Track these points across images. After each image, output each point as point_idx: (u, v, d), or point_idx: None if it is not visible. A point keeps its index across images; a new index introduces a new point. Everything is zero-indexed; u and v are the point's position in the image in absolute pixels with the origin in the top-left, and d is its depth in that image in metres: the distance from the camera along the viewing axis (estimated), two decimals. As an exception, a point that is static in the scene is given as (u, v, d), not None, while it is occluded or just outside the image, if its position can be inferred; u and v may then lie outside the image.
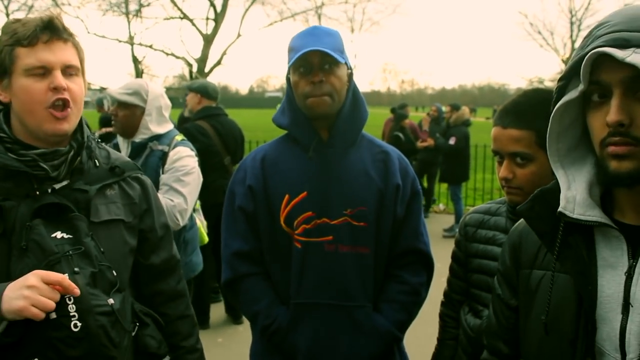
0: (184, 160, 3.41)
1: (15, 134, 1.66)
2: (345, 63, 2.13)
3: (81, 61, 1.70)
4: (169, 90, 32.20)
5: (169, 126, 3.54)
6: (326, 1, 29.91)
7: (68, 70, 1.65)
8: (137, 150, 3.41)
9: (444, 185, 10.09)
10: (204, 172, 5.35)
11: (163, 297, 1.93)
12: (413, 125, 10.06)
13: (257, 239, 2.20)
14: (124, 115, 3.42)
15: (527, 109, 1.85)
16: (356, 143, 2.22)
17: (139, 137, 3.43)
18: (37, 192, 1.63)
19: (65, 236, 1.60)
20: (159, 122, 3.47)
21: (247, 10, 28.40)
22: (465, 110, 10.08)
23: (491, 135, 1.93)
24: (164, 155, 3.39)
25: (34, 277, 1.46)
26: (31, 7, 25.86)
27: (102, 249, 1.65)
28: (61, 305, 1.49)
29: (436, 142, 9.88)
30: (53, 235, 1.58)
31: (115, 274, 1.66)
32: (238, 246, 2.21)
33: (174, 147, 3.43)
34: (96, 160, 1.79)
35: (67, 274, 1.52)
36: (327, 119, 2.15)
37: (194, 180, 3.46)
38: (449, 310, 2.23)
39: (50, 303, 1.45)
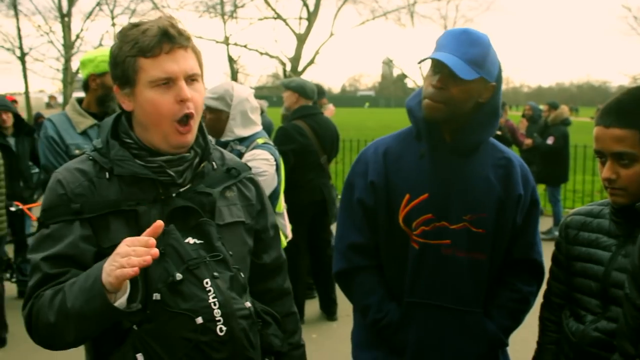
0: (256, 162, 3.40)
1: (140, 139, 1.68)
2: (483, 77, 2.03)
3: (200, 65, 1.69)
4: (262, 89, 32.84)
5: (256, 129, 3.58)
6: (419, -1, 29.64)
7: (190, 78, 1.64)
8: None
9: (542, 187, 9.81)
10: (301, 172, 5.50)
11: (271, 295, 1.96)
12: (512, 125, 9.83)
13: (374, 232, 2.22)
14: (210, 119, 3.52)
15: (631, 108, 1.81)
16: (479, 149, 2.19)
17: (224, 138, 3.54)
18: (163, 197, 1.65)
19: (197, 242, 1.61)
20: (245, 125, 3.53)
21: (339, 9, 28.57)
22: (564, 108, 9.77)
23: (593, 135, 1.89)
24: (239, 156, 3.42)
25: (122, 245, 1.44)
26: (134, 10, 27.01)
27: (230, 252, 1.66)
28: (207, 309, 1.52)
29: (533, 142, 9.63)
30: (186, 240, 1.59)
31: (243, 276, 1.68)
32: (354, 238, 2.24)
33: (251, 149, 3.48)
34: (213, 163, 1.80)
35: (207, 279, 1.55)
36: (445, 123, 2.11)
37: (263, 183, 3.49)
38: (549, 314, 2.20)
39: (142, 259, 1.39)
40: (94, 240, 1.62)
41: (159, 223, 1.46)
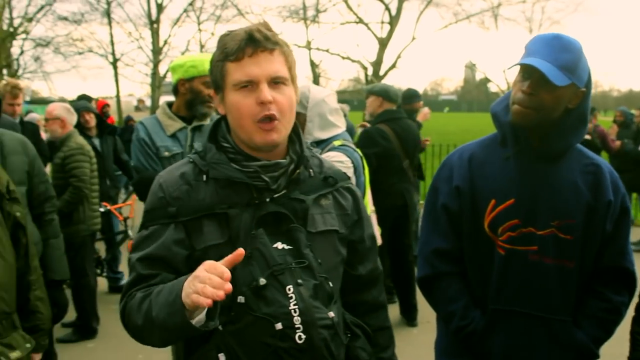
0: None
1: (236, 143, 1.70)
2: (574, 83, 2.00)
3: (290, 69, 1.68)
4: (343, 93, 32.96)
5: (336, 131, 3.49)
6: (503, 1, 29.08)
7: (275, 81, 1.63)
8: None
9: (633, 195, 9.40)
10: (383, 176, 5.50)
11: (365, 307, 1.91)
12: (602, 131, 9.46)
13: (458, 238, 2.20)
14: None
15: None
16: (566, 155, 2.14)
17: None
18: (257, 202, 1.66)
19: (286, 247, 1.61)
20: (323, 127, 3.46)
21: (421, 12, 28.40)
22: (658, 113, 9.34)
23: None
24: None
25: (201, 269, 1.45)
26: (219, 17, 27.77)
27: (319, 260, 1.64)
28: (287, 316, 1.52)
29: (624, 148, 9.24)
30: (274, 245, 1.60)
31: (331, 285, 1.65)
32: (438, 244, 2.23)
33: (326, 152, 3.40)
34: (310, 170, 1.78)
35: (290, 285, 1.55)
36: (532, 129, 2.08)
37: None
38: None
39: (212, 291, 1.39)
40: (187, 243, 1.66)
41: (240, 252, 1.47)
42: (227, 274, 1.42)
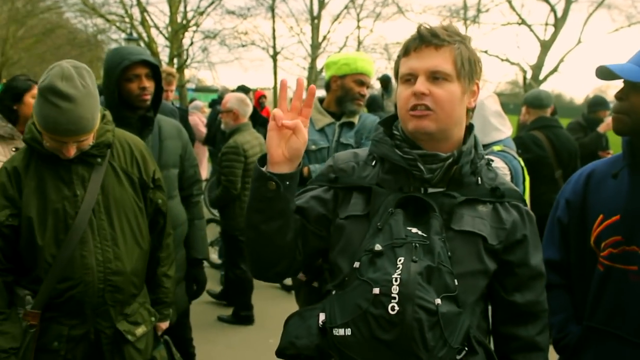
0: None
1: (404, 132, 1.76)
2: None
3: (456, 65, 1.69)
4: (500, 95, 31.91)
5: (498, 136, 3.34)
6: (686, 3, 26.74)
7: (434, 75, 1.67)
8: None
9: None
10: (533, 184, 5.27)
11: (518, 343, 1.79)
12: None
13: (569, 251, 2.20)
14: None
15: None
16: None
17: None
18: (412, 189, 1.71)
19: (420, 233, 1.61)
20: (484, 130, 3.31)
21: (590, 14, 26.79)
22: None
23: None
24: None
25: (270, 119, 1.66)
26: (379, 14, 27.89)
27: (449, 254, 1.61)
28: (387, 283, 1.51)
29: None
30: (409, 228, 1.62)
31: (456, 282, 1.59)
32: (550, 255, 2.22)
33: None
34: (479, 178, 1.76)
35: (403, 258, 1.54)
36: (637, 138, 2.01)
37: None
38: None
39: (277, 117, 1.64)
40: (330, 207, 1.79)
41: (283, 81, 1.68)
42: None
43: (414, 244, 1.57)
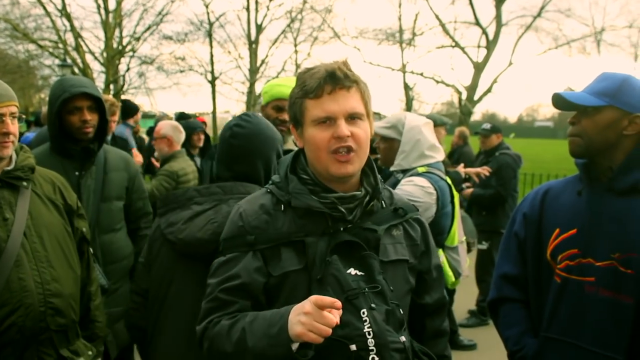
0: (409, 187, 3.28)
1: (314, 175, 1.78)
2: (616, 107, 2.04)
3: (366, 105, 1.76)
4: (436, 117, 32.64)
5: (428, 160, 3.43)
6: (607, 26, 28.06)
7: (351, 117, 1.71)
8: (386, 177, 3.40)
9: None
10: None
11: (427, 334, 1.96)
12: None
13: (526, 265, 2.26)
14: (383, 148, 3.54)
15: None
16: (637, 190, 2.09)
17: (393, 168, 3.49)
18: (331, 230, 1.73)
19: (359, 273, 1.68)
20: (416, 154, 3.41)
21: (520, 37, 27.84)
22: None
23: None
24: (396, 183, 3.38)
25: (309, 304, 1.51)
26: (315, 38, 28.23)
27: (391, 288, 1.70)
28: (361, 338, 1.58)
29: None
30: (347, 271, 1.67)
31: (402, 312, 1.70)
32: (507, 269, 2.31)
33: (409, 176, 3.38)
34: (382, 202, 1.86)
35: (365, 309, 1.60)
36: (593, 159, 2.12)
37: None
38: None
39: (325, 329, 1.48)
40: (265, 271, 1.74)
41: (338, 304, 1.50)
42: (335, 319, 1.48)
43: (365, 292, 1.64)
